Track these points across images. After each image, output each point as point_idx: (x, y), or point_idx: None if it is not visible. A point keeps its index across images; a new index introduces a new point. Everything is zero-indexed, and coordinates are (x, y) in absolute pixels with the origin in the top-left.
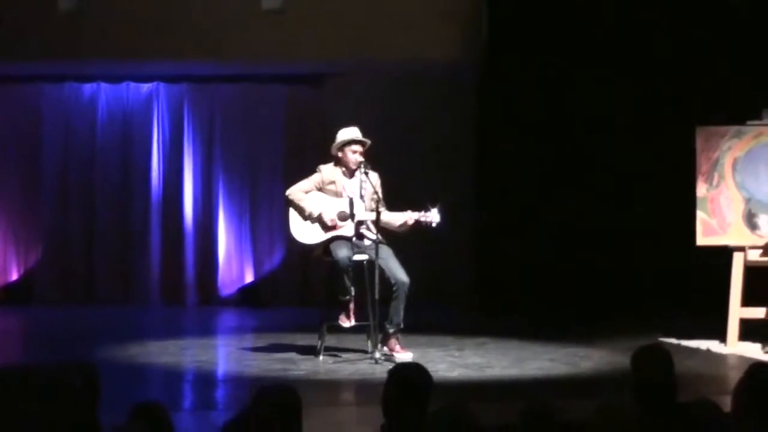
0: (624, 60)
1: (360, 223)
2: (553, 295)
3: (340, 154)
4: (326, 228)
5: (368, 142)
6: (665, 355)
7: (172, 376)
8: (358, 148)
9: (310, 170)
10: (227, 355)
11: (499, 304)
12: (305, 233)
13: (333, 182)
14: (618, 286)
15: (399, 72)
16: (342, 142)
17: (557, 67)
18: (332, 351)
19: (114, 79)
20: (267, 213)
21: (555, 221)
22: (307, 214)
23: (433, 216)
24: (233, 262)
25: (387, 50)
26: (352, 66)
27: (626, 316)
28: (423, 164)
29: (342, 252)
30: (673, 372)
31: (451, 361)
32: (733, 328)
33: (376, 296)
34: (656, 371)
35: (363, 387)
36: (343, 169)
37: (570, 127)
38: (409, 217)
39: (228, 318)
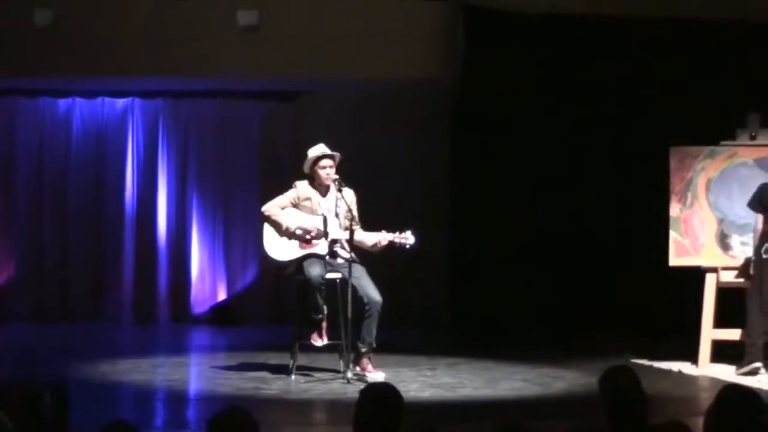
0: (599, 81)
1: (334, 242)
2: (526, 316)
3: (312, 173)
4: (304, 242)
5: (337, 155)
6: (631, 375)
7: (144, 395)
8: (327, 163)
9: (285, 187)
10: (199, 373)
11: (472, 325)
12: (279, 250)
13: (308, 199)
14: (590, 306)
15: (374, 89)
16: (311, 159)
17: (532, 87)
18: (304, 370)
19: (89, 94)
20: (240, 230)
21: (530, 242)
22: (284, 228)
23: (408, 237)
24: (206, 280)
25: (362, 67)
26: (327, 83)
27: (598, 337)
28: (397, 182)
29: (315, 270)
30: (640, 392)
31: (423, 381)
32: (705, 349)
33: (349, 315)
34: (623, 392)
35: (335, 407)
36: (318, 186)
37: (544, 146)
38: (383, 237)
39: (200, 336)
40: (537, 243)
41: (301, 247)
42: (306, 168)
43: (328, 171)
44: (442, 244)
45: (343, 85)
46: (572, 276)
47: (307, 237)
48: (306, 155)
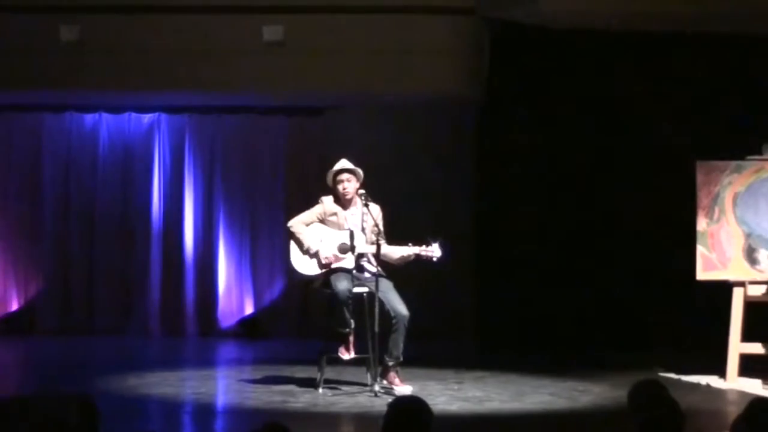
0: (624, 95)
1: (360, 256)
2: (552, 330)
3: (333, 187)
4: (323, 265)
5: (358, 171)
6: (661, 388)
7: (171, 408)
8: (344, 177)
9: (312, 202)
10: (226, 386)
11: (498, 338)
12: (305, 264)
13: (335, 214)
14: (618, 320)
15: (400, 105)
16: (331, 174)
17: (557, 103)
18: (331, 383)
19: (115, 109)
20: (267, 244)
21: (554, 255)
22: (305, 248)
23: (434, 250)
24: (233, 293)
25: (388, 83)
26: (353, 98)
27: (626, 351)
28: (423, 195)
29: (342, 284)
30: (668, 405)
31: (451, 394)
32: (732, 363)
33: (376, 329)
34: (651, 406)
35: (362, 420)
36: (342, 201)
37: (569, 162)
38: (410, 251)
39: (227, 349)
40: (563, 256)
41: (321, 266)
42: (328, 181)
43: (345, 185)
44: (468, 257)
45: (369, 100)
46: (599, 289)
47: (323, 262)
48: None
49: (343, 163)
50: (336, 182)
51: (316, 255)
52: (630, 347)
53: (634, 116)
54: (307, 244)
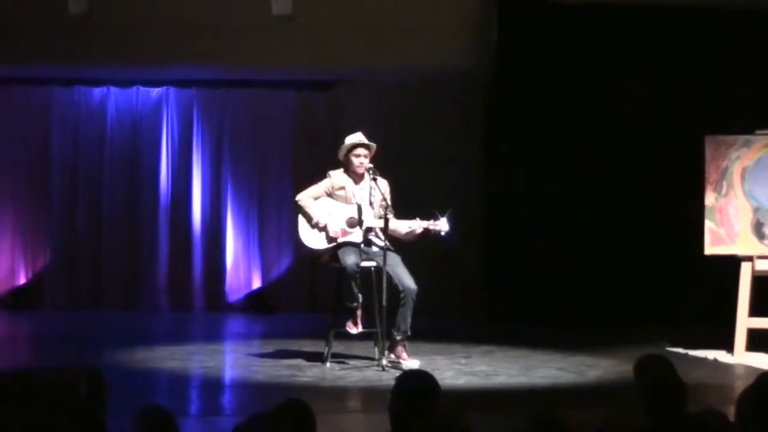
0: (633, 69)
1: (368, 230)
2: (560, 304)
3: (346, 160)
4: (330, 239)
5: (373, 145)
6: (665, 362)
7: (179, 382)
8: (361, 152)
9: (320, 176)
10: (234, 360)
11: (506, 312)
12: (314, 238)
13: (343, 188)
14: (626, 295)
15: (409, 79)
16: (346, 146)
17: (565, 76)
18: (339, 358)
19: (124, 83)
20: (275, 219)
21: (562, 230)
22: (314, 222)
23: (442, 225)
24: (241, 268)
25: (397, 57)
26: (362, 72)
27: (634, 325)
28: (431, 171)
29: (350, 258)
30: (678, 380)
31: (458, 368)
32: (740, 338)
33: (384, 303)
34: (660, 381)
35: (370, 394)
36: (352, 175)
37: (578, 136)
38: (417, 225)
39: (235, 323)
40: (573, 231)
41: (329, 240)
42: (341, 155)
43: (361, 160)
44: (476, 232)
45: (377, 74)
46: (608, 264)
47: (332, 236)
48: (343, 142)
49: (359, 137)
50: (352, 155)
51: (324, 228)
52: (638, 322)
53: (646, 90)
54: (315, 217)
